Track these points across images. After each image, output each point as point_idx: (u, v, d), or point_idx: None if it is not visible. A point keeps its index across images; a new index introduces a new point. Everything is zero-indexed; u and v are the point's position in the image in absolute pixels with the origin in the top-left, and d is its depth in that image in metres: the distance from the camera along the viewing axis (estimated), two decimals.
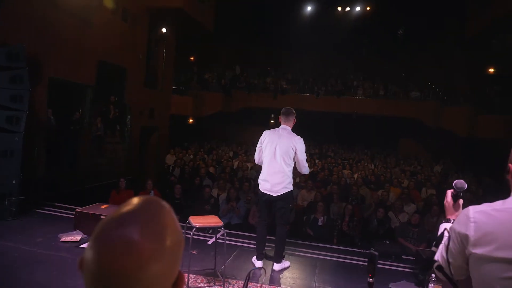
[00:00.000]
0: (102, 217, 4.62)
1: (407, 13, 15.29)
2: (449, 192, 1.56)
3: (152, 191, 6.51)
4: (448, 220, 1.53)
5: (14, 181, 5.18)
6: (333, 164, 12.62)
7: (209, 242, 4.93)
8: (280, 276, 4.06)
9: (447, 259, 1.23)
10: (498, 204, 1.13)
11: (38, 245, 4.26)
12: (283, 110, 4.25)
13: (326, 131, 16.91)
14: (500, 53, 13.62)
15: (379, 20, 16.10)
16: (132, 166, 10.34)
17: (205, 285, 3.70)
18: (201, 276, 3.84)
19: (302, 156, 4.06)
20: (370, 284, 1.89)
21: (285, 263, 4.27)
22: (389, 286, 3.89)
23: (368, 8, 15.98)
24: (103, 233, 0.60)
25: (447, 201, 1.57)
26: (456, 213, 1.53)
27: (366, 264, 1.95)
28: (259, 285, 3.76)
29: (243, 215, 6.72)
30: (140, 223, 0.61)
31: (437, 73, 17.31)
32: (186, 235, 3.26)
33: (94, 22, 8.16)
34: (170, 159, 12.13)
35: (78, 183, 8.04)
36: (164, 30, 11.68)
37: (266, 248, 4.32)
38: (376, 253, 1.91)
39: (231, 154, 13.76)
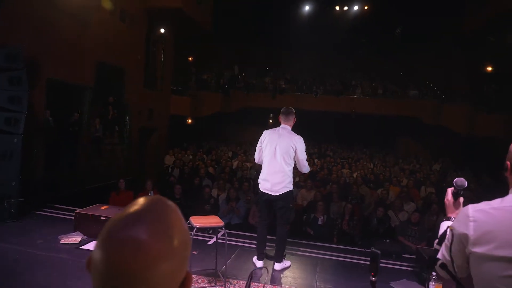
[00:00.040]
0: (102, 218, 4.62)
1: (405, 13, 15.31)
2: (450, 190, 1.57)
3: (152, 192, 6.49)
4: (449, 218, 1.53)
5: (13, 183, 5.15)
6: (332, 164, 12.63)
7: (210, 242, 4.94)
8: (281, 275, 4.06)
9: (451, 257, 1.23)
10: (496, 202, 1.13)
11: (38, 247, 4.25)
12: (283, 109, 4.25)
13: (325, 131, 16.92)
14: (497, 51, 13.66)
15: (378, 19, 16.11)
16: (132, 167, 10.31)
17: (207, 285, 3.70)
18: (202, 276, 3.84)
19: (302, 156, 4.06)
20: (372, 283, 1.89)
21: (286, 263, 4.27)
22: (390, 284, 3.88)
23: (366, 7, 15.99)
24: (111, 233, 0.60)
25: (447, 199, 1.58)
26: (457, 211, 1.53)
27: (367, 263, 1.95)
28: (260, 285, 3.77)
29: (243, 215, 6.73)
30: (147, 223, 0.61)
31: (436, 72, 17.34)
32: None
33: (93, 23, 8.13)
34: (169, 159, 12.12)
35: (77, 184, 8.01)
36: (162, 30, 11.64)
37: (266, 248, 4.32)
38: (379, 252, 1.90)
39: (230, 154, 13.76)
